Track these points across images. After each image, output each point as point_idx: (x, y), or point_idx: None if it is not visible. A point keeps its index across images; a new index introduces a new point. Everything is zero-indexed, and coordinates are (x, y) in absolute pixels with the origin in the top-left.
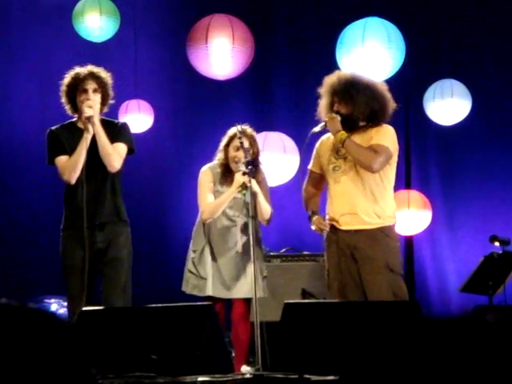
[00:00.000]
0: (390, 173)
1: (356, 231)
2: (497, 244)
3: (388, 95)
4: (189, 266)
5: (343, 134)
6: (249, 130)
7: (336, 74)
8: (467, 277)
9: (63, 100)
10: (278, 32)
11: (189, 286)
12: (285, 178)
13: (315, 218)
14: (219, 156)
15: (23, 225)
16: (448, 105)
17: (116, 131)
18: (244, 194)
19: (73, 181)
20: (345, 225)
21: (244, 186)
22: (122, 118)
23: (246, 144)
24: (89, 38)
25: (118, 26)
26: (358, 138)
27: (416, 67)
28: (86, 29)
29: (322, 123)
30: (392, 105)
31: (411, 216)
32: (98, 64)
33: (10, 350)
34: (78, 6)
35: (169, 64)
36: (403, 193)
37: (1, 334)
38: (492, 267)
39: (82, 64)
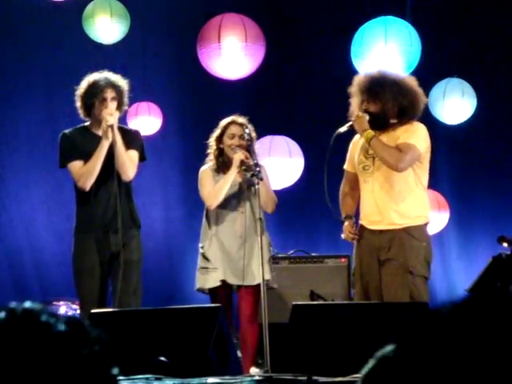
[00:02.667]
0: (421, 171)
1: (381, 231)
2: (505, 245)
3: (417, 90)
4: (200, 264)
5: (369, 133)
6: (239, 118)
7: (364, 72)
8: (475, 277)
9: (78, 104)
10: (284, 33)
11: (204, 281)
12: (290, 180)
13: (345, 224)
14: (212, 152)
15: (27, 224)
16: (454, 104)
17: (130, 139)
18: (245, 170)
19: (87, 187)
20: (372, 224)
21: (244, 164)
22: (132, 121)
23: (243, 132)
24: (99, 41)
25: (129, 29)
26: (385, 137)
27: (421, 67)
28: (97, 31)
29: (349, 123)
30: (423, 99)
31: None
32: (105, 65)
33: (29, 351)
34: (89, 8)
35: (177, 65)
36: None
37: (21, 336)
38: (500, 268)
39: (89, 64)
